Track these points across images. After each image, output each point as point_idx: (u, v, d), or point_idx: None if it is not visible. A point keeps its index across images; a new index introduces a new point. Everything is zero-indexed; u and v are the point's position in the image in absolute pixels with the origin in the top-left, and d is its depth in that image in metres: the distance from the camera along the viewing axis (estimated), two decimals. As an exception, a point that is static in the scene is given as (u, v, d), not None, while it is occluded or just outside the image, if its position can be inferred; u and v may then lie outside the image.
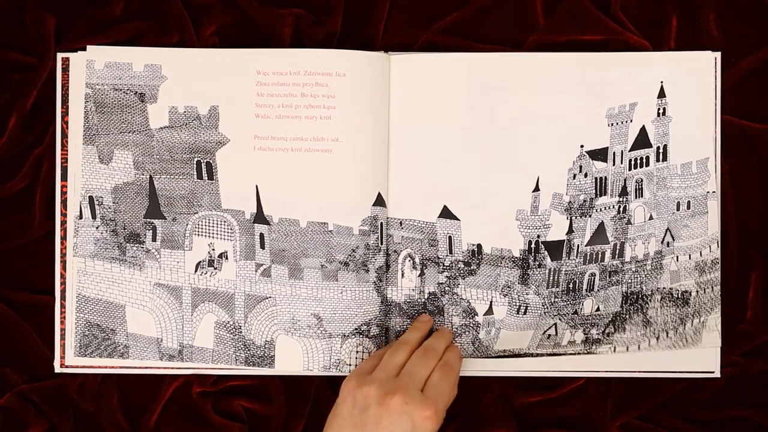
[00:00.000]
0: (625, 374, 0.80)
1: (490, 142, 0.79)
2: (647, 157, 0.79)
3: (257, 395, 0.80)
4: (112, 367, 0.79)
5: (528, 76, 0.79)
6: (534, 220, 0.79)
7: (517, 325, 0.79)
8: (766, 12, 0.81)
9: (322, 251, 0.78)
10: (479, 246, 0.79)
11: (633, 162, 0.79)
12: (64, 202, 0.79)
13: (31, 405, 0.80)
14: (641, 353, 0.79)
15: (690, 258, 0.79)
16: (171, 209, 0.79)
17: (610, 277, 0.79)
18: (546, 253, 0.79)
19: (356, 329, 0.78)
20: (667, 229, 0.79)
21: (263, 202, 0.78)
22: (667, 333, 0.79)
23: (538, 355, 0.79)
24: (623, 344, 0.79)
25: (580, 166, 0.79)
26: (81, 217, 0.79)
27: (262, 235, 0.78)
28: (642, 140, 0.79)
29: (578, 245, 0.79)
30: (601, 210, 0.79)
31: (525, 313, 0.79)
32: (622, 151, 0.79)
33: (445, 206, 0.79)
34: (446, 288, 0.79)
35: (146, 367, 0.80)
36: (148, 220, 0.79)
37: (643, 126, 0.79)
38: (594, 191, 0.79)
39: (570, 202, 0.79)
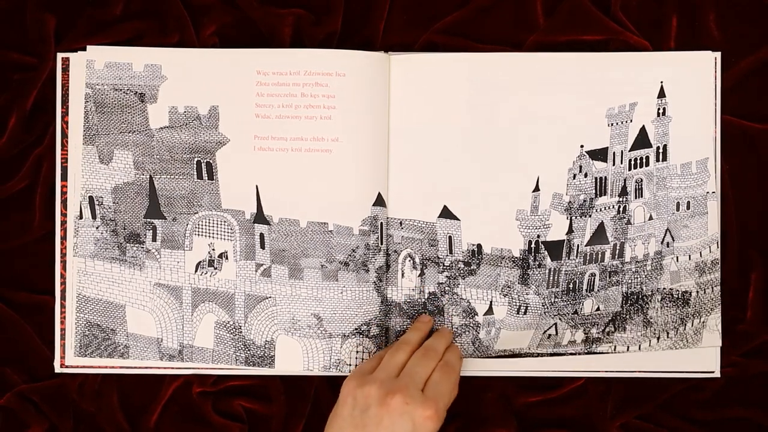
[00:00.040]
0: (625, 374, 0.80)
1: (490, 142, 0.79)
2: (647, 157, 0.79)
3: (257, 395, 0.80)
4: (112, 367, 0.79)
5: (528, 76, 0.79)
6: (534, 220, 0.79)
7: (517, 325, 0.79)
8: (766, 12, 0.81)
9: (322, 251, 0.78)
10: (479, 246, 0.79)
11: (633, 162, 0.79)
12: (64, 202, 0.79)
13: (31, 405, 0.80)
14: (641, 353, 0.79)
15: (690, 258, 0.79)
16: (171, 209, 0.79)
17: (610, 277, 0.79)
18: (546, 253, 0.79)
19: (356, 329, 0.78)
20: (667, 229, 0.79)
21: (263, 202, 0.78)
22: (668, 333, 0.79)
23: (538, 355, 0.79)
24: (623, 344, 0.79)
25: (580, 166, 0.79)
26: (81, 217, 0.79)
27: (262, 235, 0.78)
28: (642, 140, 0.79)
29: (578, 245, 0.79)
30: (601, 210, 0.79)
31: (525, 313, 0.79)
32: (622, 151, 0.79)
33: (445, 206, 0.79)
34: (446, 288, 0.79)
35: (146, 367, 0.80)
36: (148, 220, 0.79)
37: (643, 126, 0.79)
38: (594, 191, 0.79)
39: (570, 202, 0.79)
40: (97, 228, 0.79)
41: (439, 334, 0.77)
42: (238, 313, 0.79)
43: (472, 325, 0.79)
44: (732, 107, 0.80)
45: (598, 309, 0.79)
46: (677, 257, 0.79)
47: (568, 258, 0.79)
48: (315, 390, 0.80)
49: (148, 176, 0.79)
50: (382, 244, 0.78)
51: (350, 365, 0.78)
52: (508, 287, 0.79)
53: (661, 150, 0.79)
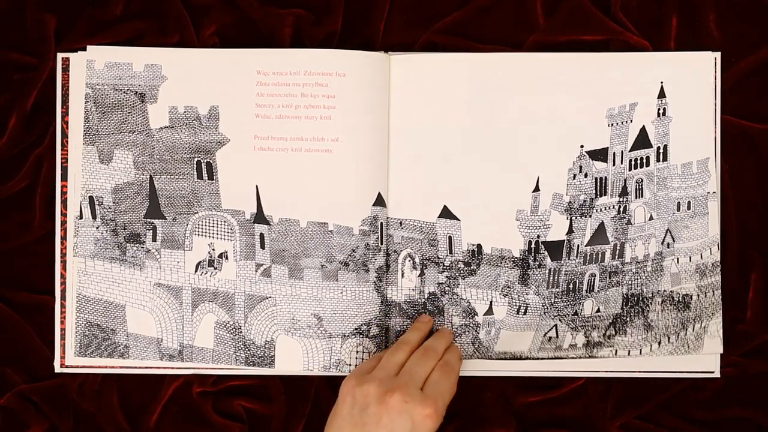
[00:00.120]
0: (625, 374, 0.80)
1: (490, 142, 0.79)
2: (647, 158, 0.79)
3: (257, 395, 0.80)
4: (112, 367, 0.79)
5: (528, 76, 0.79)
6: (534, 220, 0.79)
7: (517, 326, 0.79)
8: (766, 12, 0.81)
9: (322, 251, 0.78)
10: (479, 246, 0.79)
11: (633, 162, 0.79)
12: (64, 202, 0.79)
13: (31, 405, 0.80)
14: (642, 356, 0.79)
15: (690, 260, 0.79)
16: (171, 209, 0.79)
17: (610, 278, 0.79)
18: (546, 253, 0.79)
19: (356, 329, 0.78)
20: (668, 229, 0.79)
21: (263, 202, 0.78)
22: (669, 338, 0.79)
23: (539, 358, 0.79)
24: (624, 348, 0.79)
25: (580, 166, 0.79)
26: (81, 217, 0.79)
27: (262, 235, 0.78)
28: (642, 140, 0.79)
29: (578, 245, 0.79)
30: (601, 210, 0.79)
31: (525, 313, 0.79)
32: (622, 152, 0.79)
33: (445, 206, 0.79)
34: (446, 288, 0.79)
35: (146, 367, 0.80)
36: (149, 220, 0.79)
37: (643, 126, 0.79)
38: (594, 191, 0.79)
39: (570, 202, 0.79)
40: (97, 228, 0.79)
41: (439, 334, 0.77)
42: (238, 313, 0.79)
43: (472, 325, 0.79)
44: (732, 107, 0.80)
45: (598, 310, 0.79)
46: (678, 259, 0.79)
47: (568, 258, 0.79)
48: (315, 390, 0.80)
49: (148, 176, 0.79)
50: (382, 244, 0.78)
51: (350, 365, 0.78)
52: (508, 287, 0.79)
53: (661, 150, 0.79)
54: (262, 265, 0.79)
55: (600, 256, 0.79)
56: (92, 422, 0.80)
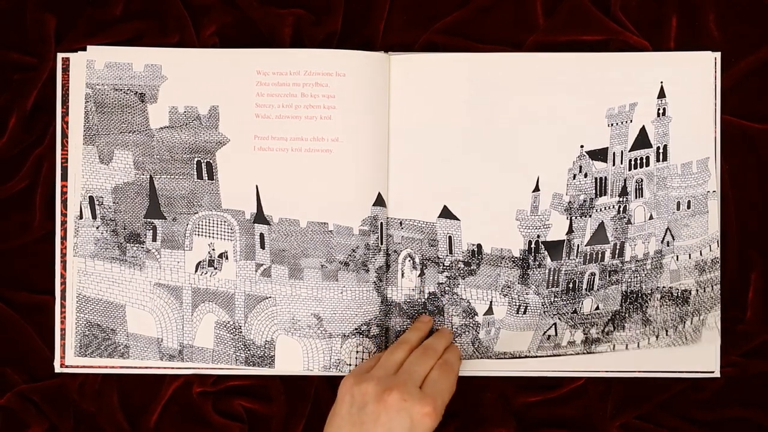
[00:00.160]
0: (625, 374, 0.80)
1: (490, 142, 0.79)
2: (647, 157, 0.79)
3: (257, 395, 0.80)
4: (113, 367, 0.80)
5: (528, 76, 0.79)
6: (534, 220, 0.79)
7: (516, 325, 0.79)
8: (766, 12, 0.81)
9: (322, 251, 0.78)
10: (479, 246, 0.79)
11: (633, 162, 0.79)
12: (64, 202, 0.79)
13: (31, 405, 0.80)
14: (641, 351, 0.79)
15: (690, 257, 0.79)
16: (171, 209, 0.79)
17: (609, 276, 0.79)
18: (546, 253, 0.79)
19: (356, 329, 0.78)
20: (667, 228, 0.79)
21: (263, 202, 0.78)
22: (667, 331, 0.79)
23: (538, 357, 0.79)
24: (622, 342, 0.79)
25: (580, 166, 0.79)
26: (81, 217, 0.79)
27: (262, 235, 0.78)
28: (642, 140, 0.79)
29: (578, 245, 0.79)
30: (601, 210, 0.79)
31: (525, 312, 0.79)
32: (622, 151, 0.79)
33: (445, 206, 0.79)
34: (446, 288, 0.79)
35: (146, 367, 0.80)
36: (149, 220, 0.79)
37: (643, 126, 0.79)
38: (594, 191, 0.79)
39: (570, 202, 0.79)
40: (97, 228, 0.79)
41: (439, 334, 0.77)
42: (238, 313, 0.79)
43: (471, 325, 0.79)
44: (732, 107, 0.80)
45: (597, 308, 0.79)
46: (677, 256, 0.79)
47: (568, 258, 0.79)
48: (315, 390, 0.80)
49: (148, 176, 0.79)
50: (382, 244, 0.78)
51: (350, 365, 0.78)
52: (508, 287, 0.79)
53: (661, 150, 0.79)
54: (262, 265, 0.79)
55: (600, 255, 0.79)
56: (92, 422, 0.80)
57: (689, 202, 0.79)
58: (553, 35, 0.80)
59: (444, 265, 0.79)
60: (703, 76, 0.79)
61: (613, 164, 0.79)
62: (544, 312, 0.79)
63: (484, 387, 0.80)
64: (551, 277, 0.79)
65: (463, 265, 0.79)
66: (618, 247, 0.79)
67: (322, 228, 0.78)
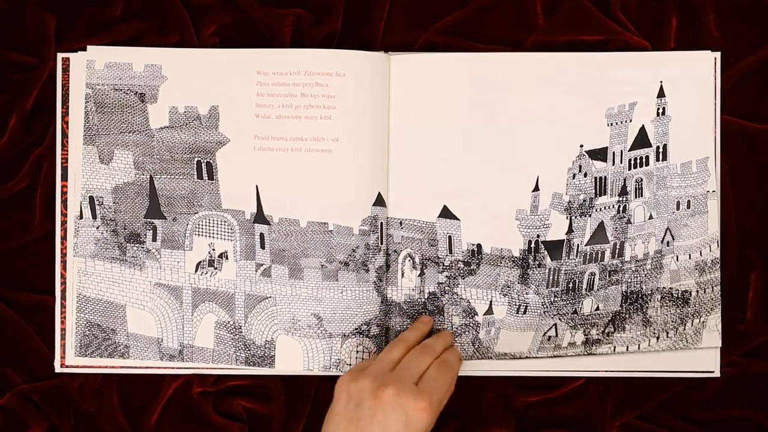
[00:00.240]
0: (625, 374, 0.80)
1: (490, 142, 0.79)
2: (647, 157, 0.79)
3: (257, 395, 0.80)
4: (113, 367, 0.80)
5: (528, 76, 0.79)
6: (534, 219, 0.79)
7: (517, 325, 0.79)
8: (766, 12, 0.81)
9: (322, 251, 0.78)
10: (479, 246, 0.79)
11: (633, 161, 0.79)
12: (64, 202, 0.79)
13: (31, 405, 0.80)
14: (641, 353, 0.79)
15: (690, 258, 0.79)
16: (171, 209, 0.79)
17: (609, 276, 0.79)
18: (546, 252, 0.79)
19: (356, 329, 0.78)
20: (667, 228, 0.79)
21: (263, 202, 0.78)
22: (667, 333, 0.79)
23: (539, 358, 0.79)
24: (623, 344, 0.79)
25: (580, 166, 0.79)
26: (81, 217, 0.79)
27: (262, 235, 0.78)
28: (641, 140, 0.79)
29: (578, 245, 0.79)
30: (600, 209, 0.79)
31: (525, 312, 0.79)
32: (621, 151, 0.79)
33: (445, 206, 0.79)
34: (446, 288, 0.79)
35: (146, 367, 0.80)
36: (149, 220, 0.79)
37: (643, 126, 0.79)
38: (594, 191, 0.79)
39: (570, 201, 0.79)
40: (97, 228, 0.79)
41: (439, 335, 0.77)
42: (238, 313, 0.79)
43: (471, 324, 0.79)
44: (732, 107, 0.80)
45: (597, 309, 0.79)
46: (677, 256, 0.79)
47: (568, 258, 0.79)
48: (315, 390, 0.80)
49: (148, 176, 0.79)
50: (382, 244, 0.78)
51: (350, 365, 0.78)
52: (508, 287, 0.79)
53: (660, 149, 0.79)
54: (262, 265, 0.79)
55: (600, 255, 0.79)
56: (92, 422, 0.80)
57: (689, 201, 0.79)
58: (553, 35, 0.80)
59: (444, 265, 0.79)
60: (702, 75, 0.79)
61: (613, 164, 0.79)
62: (544, 312, 0.79)
63: (484, 387, 0.80)
64: (551, 277, 0.79)
65: (463, 265, 0.79)
66: (618, 246, 0.79)
67: (322, 228, 0.78)
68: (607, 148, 0.79)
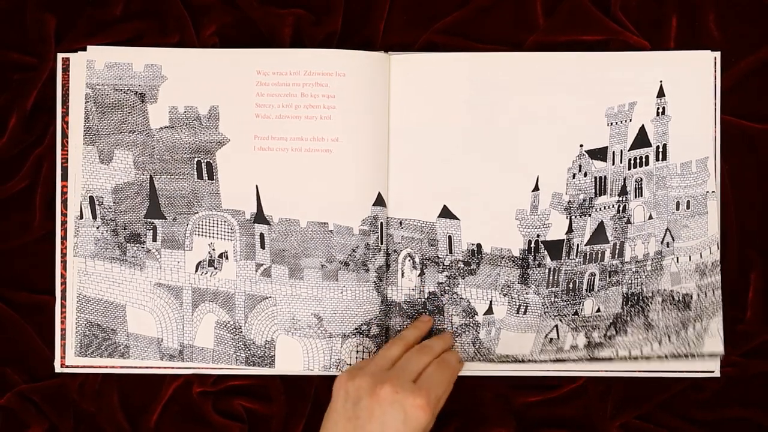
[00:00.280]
0: (625, 374, 0.79)
1: (490, 142, 0.79)
2: (647, 157, 0.79)
3: (257, 395, 0.80)
4: (113, 367, 0.80)
5: (528, 76, 0.79)
6: (534, 219, 0.79)
7: (517, 326, 0.79)
8: (766, 12, 0.81)
9: (322, 251, 0.78)
10: (479, 246, 0.79)
11: (632, 161, 0.79)
12: (64, 202, 0.79)
13: (31, 405, 0.80)
14: (644, 358, 0.79)
15: (690, 259, 0.79)
16: (171, 209, 0.79)
17: (610, 277, 0.79)
18: (546, 252, 0.79)
19: (356, 329, 0.78)
20: (667, 228, 0.79)
21: (263, 202, 0.78)
22: (669, 337, 0.79)
23: (541, 361, 0.79)
24: (625, 348, 0.79)
25: (580, 166, 0.79)
26: (81, 217, 0.79)
27: (262, 235, 0.78)
28: (641, 139, 0.79)
29: (578, 245, 0.79)
30: (600, 209, 0.79)
31: (525, 312, 0.79)
32: (621, 151, 0.79)
33: (445, 206, 0.79)
34: (446, 288, 0.79)
35: (146, 367, 0.80)
36: (149, 220, 0.79)
37: (643, 125, 0.79)
38: (593, 190, 0.79)
39: (569, 201, 0.79)
40: (97, 228, 0.79)
41: (440, 336, 0.77)
42: (238, 313, 0.79)
43: (472, 324, 0.79)
44: (732, 107, 0.80)
45: (598, 310, 0.79)
46: (677, 258, 0.79)
47: (568, 257, 0.79)
48: (315, 390, 0.80)
49: (148, 176, 0.79)
50: (382, 243, 0.78)
51: (350, 365, 0.78)
52: (508, 287, 0.79)
53: (660, 149, 0.79)
54: (262, 265, 0.79)
55: (599, 255, 0.79)
56: (92, 422, 0.80)
57: (688, 202, 0.79)
58: (553, 35, 0.80)
59: (444, 265, 0.79)
60: (702, 75, 0.79)
61: (613, 163, 0.79)
62: (544, 312, 0.79)
63: (484, 387, 0.80)
64: (551, 277, 0.79)
65: (462, 265, 0.79)
66: (618, 247, 0.79)
67: (322, 228, 0.78)
68: (607, 147, 0.79)
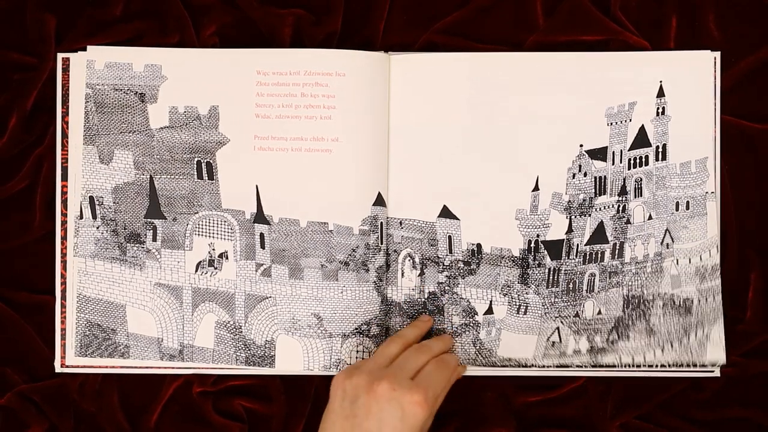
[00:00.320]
0: (624, 374, 0.79)
1: (490, 142, 0.79)
2: (646, 157, 0.79)
3: (257, 395, 0.80)
4: (113, 367, 0.80)
5: (528, 76, 0.79)
6: (533, 219, 0.79)
7: (517, 326, 0.79)
8: (766, 12, 0.81)
9: (322, 251, 0.78)
10: (479, 245, 0.79)
11: (632, 161, 0.79)
12: (64, 202, 0.79)
13: (31, 405, 0.80)
14: (647, 366, 0.79)
15: (690, 262, 0.79)
16: (171, 209, 0.79)
17: (610, 278, 0.79)
18: (545, 252, 0.79)
19: (356, 329, 0.78)
20: (667, 229, 0.79)
21: (263, 202, 0.78)
22: (672, 344, 0.79)
23: (544, 366, 0.79)
24: (629, 354, 0.79)
25: (580, 166, 0.79)
26: (81, 217, 0.79)
27: (262, 235, 0.78)
28: (641, 139, 0.79)
29: (578, 245, 0.79)
30: (600, 209, 0.79)
31: (525, 313, 0.79)
32: (621, 151, 0.79)
33: (445, 206, 0.79)
34: (446, 287, 0.79)
35: (147, 367, 0.80)
36: (149, 220, 0.79)
37: (642, 125, 0.79)
38: (593, 190, 0.79)
39: (569, 201, 0.79)
40: (97, 228, 0.79)
41: (439, 337, 0.77)
42: (238, 313, 0.79)
43: (472, 324, 0.79)
44: (731, 107, 0.80)
45: (599, 312, 0.79)
46: (677, 260, 0.79)
47: (568, 257, 0.79)
48: (315, 390, 0.80)
49: (148, 176, 0.79)
50: (382, 243, 0.78)
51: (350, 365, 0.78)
52: (508, 287, 0.79)
53: (660, 149, 0.79)
54: (262, 264, 0.79)
55: (599, 255, 0.79)
56: (92, 422, 0.80)
57: (688, 202, 0.79)
58: (553, 35, 0.80)
59: (444, 265, 0.79)
60: (702, 75, 0.79)
61: (613, 163, 0.79)
62: (545, 313, 0.79)
63: (484, 387, 0.80)
64: (551, 277, 0.79)
65: (462, 265, 0.79)
66: (617, 247, 0.79)
67: (322, 228, 0.78)
68: (606, 147, 0.79)
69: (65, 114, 0.79)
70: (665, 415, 0.80)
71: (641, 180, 0.79)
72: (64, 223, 0.79)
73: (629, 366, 0.79)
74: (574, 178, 0.79)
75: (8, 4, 0.80)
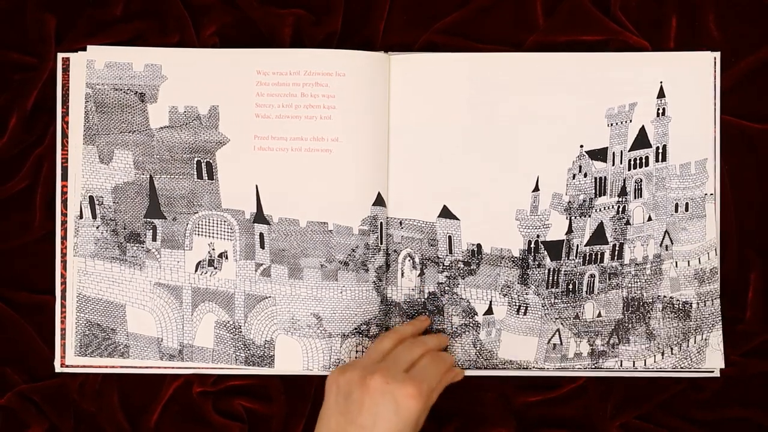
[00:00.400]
0: (624, 374, 0.79)
1: (490, 142, 0.79)
2: (646, 157, 0.79)
3: (257, 395, 0.80)
4: (113, 367, 0.80)
5: (528, 76, 0.79)
6: (533, 219, 0.79)
7: (517, 327, 0.79)
8: (766, 12, 0.81)
9: (321, 251, 0.78)
10: (479, 246, 0.79)
11: (632, 162, 0.79)
12: (64, 202, 0.79)
13: (31, 405, 0.80)
14: (647, 369, 0.79)
15: (689, 265, 0.79)
16: (171, 209, 0.79)
17: (609, 279, 0.79)
18: (545, 252, 0.79)
19: (356, 329, 0.78)
20: (666, 231, 0.79)
21: (263, 202, 0.78)
22: (672, 349, 0.79)
23: (546, 369, 0.79)
24: (629, 358, 0.79)
25: (580, 166, 0.79)
26: (81, 216, 0.79)
27: (261, 235, 0.78)
28: (641, 140, 0.79)
29: (577, 245, 0.79)
30: (600, 210, 0.79)
31: (525, 313, 0.79)
32: (621, 151, 0.79)
33: (445, 206, 0.79)
34: (446, 288, 0.79)
35: (146, 367, 0.80)
36: (149, 219, 0.79)
37: (643, 126, 0.79)
38: (593, 191, 0.79)
39: (569, 202, 0.79)
40: (97, 228, 0.79)
41: (436, 334, 0.77)
42: (238, 313, 0.79)
43: (471, 324, 0.79)
44: (731, 107, 0.80)
45: (599, 315, 0.79)
46: (676, 262, 0.79)
47: (568, 258, 0.79)
48: (315, 390, 0.80)
49: (148, 176, 0.79)
50: (381, 243, 0.78)
51: (350, 365, 0.78)
52: (508, 287, 0.79)
53: (660, 150, 0.79)
54: (261, 264, 0.79)
55: (599, 256, 0.79)
56: (92, 422, 0.80)
57: (687, 203, 0.79)
58: (553, 35, 0.80)
59: (444, 265, 0.79)
60: (702, 76, 0.79)
61: (613, 164, 0.79)
62: (545, 314, 0.79)
63: (484, 387, 0.80)
64: (551, 278, 0.79)
65: (462, 265, 0.79)
66: (617, 248, 0.79)
67: (322, 228, 0.78)
68: (607, 148, 0.79)
69: (65, 114, 0.79)
70: (665, 415, 0.80)
71: (641, 181, 0.79)
72: (64, 223, 0.79)
73: (630, 370, 0.79)
74: (574, 178, 0.79)
75: (8, 4, 0.80)
